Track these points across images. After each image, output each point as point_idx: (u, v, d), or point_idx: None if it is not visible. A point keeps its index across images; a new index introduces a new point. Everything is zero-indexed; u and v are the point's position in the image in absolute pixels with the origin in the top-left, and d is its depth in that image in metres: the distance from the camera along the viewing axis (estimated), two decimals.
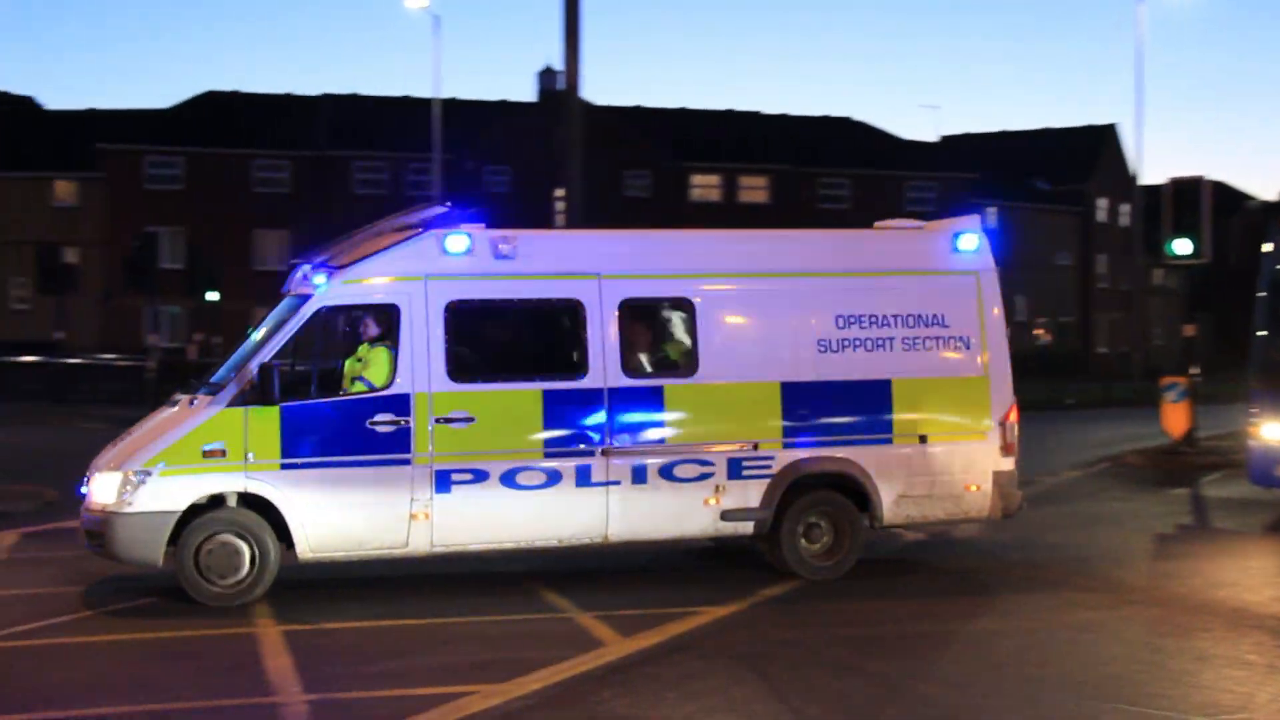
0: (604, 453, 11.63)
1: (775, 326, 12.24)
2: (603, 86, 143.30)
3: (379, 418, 11.23)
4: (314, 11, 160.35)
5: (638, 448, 11.75)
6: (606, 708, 8.15)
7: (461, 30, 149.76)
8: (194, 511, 10.90)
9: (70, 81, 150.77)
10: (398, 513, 11.20)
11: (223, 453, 10.90)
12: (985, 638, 10.14)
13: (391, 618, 10.66)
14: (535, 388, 11.64)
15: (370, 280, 11.55)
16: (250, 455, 10.74)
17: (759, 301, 12.37)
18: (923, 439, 12.32)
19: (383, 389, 11.27)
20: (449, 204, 12.00)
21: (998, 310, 12.74)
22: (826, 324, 12.21)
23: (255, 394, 10.96)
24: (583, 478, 11.58)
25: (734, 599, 11.20)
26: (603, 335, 11.74)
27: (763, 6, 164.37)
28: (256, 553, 10.94)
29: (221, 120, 62.12)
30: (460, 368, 11.47)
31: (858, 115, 73.48)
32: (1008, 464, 12.48)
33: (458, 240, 11.55)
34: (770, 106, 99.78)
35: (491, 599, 11.40)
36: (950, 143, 76.26)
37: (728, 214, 63.02)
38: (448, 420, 11.30)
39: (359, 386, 11.39)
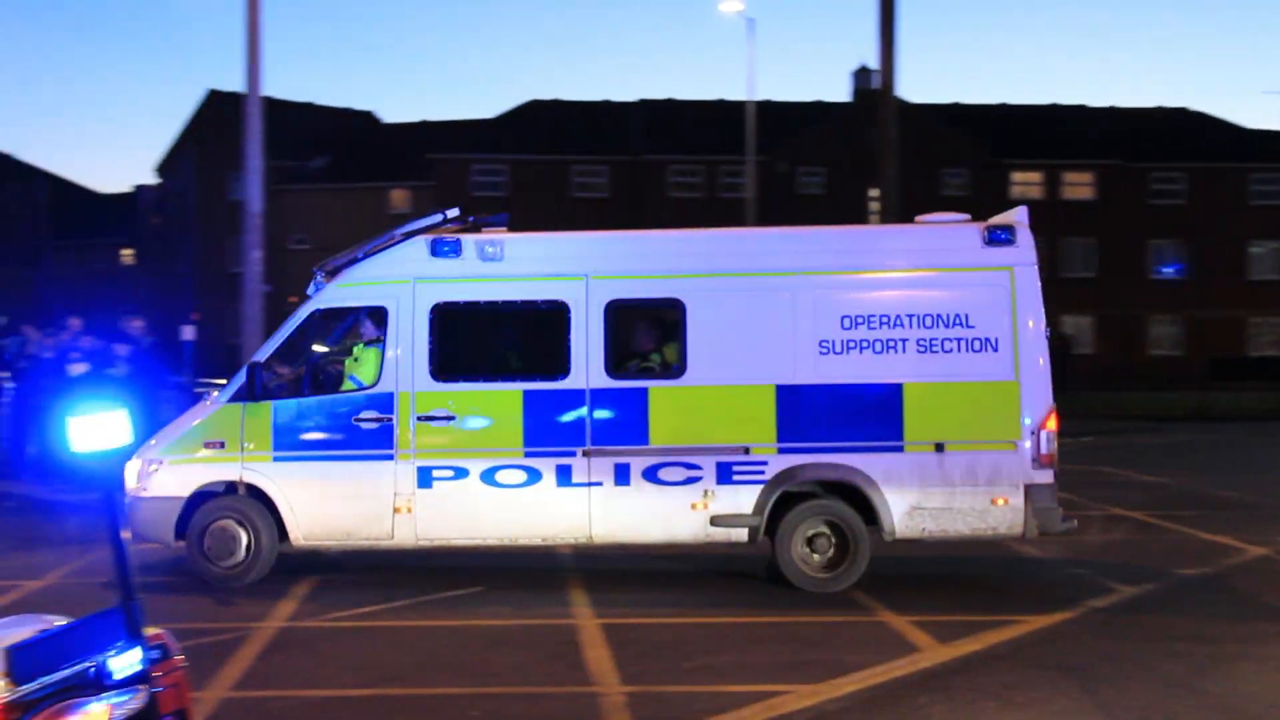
0: (585, 453, 11.70)
1: (771, 327, 11.84)
2: (919, 84, 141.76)
3: (364, 415, 11.84)
4: (631, 19, 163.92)
5: (620, 449, 11.72)
6: (922, 713, 8.11)
7: (775, 32, 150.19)
8: (207, 497, 11.85)
9: (405, 95, 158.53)
10: (382, 506, 11.73)
11: (221, 444, 11.87)
12: None
13: (707, 614, 10.83)
14: (515, 388, 11.88)
15: (362, 284, 12.21)
16: (246, 447, 11.37)
17: (753, 302, 12.00)
18: (939, 447, 11.60)
19: (370, 387, 11.90)
20: (458, 209, 12.34)
21: (1036, 309, 11.78)
22: (830, 324, 11.74)
23: (246, 391, 11.79)
24: (563, 477, 11.69)
25: (1057, 609, 10.91)
26: (586, 336, 11.84)
27: None
28: (253, 538, 11.72)
29: (542, 128, 64.41)
30: (442, 367, 11.90)
31: (1196, 105, 70.32)
32: (1044, 477, 11.55)
33: (445, 243, 11.98)
34: (1097, 100, 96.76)
35: (804, 599, 11.43)
36: None
37: (1050, 211, 61.38)
38: (429, 418, 11.76)
39: (349, 384, 12.11)
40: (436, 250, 12.00)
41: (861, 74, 61.68)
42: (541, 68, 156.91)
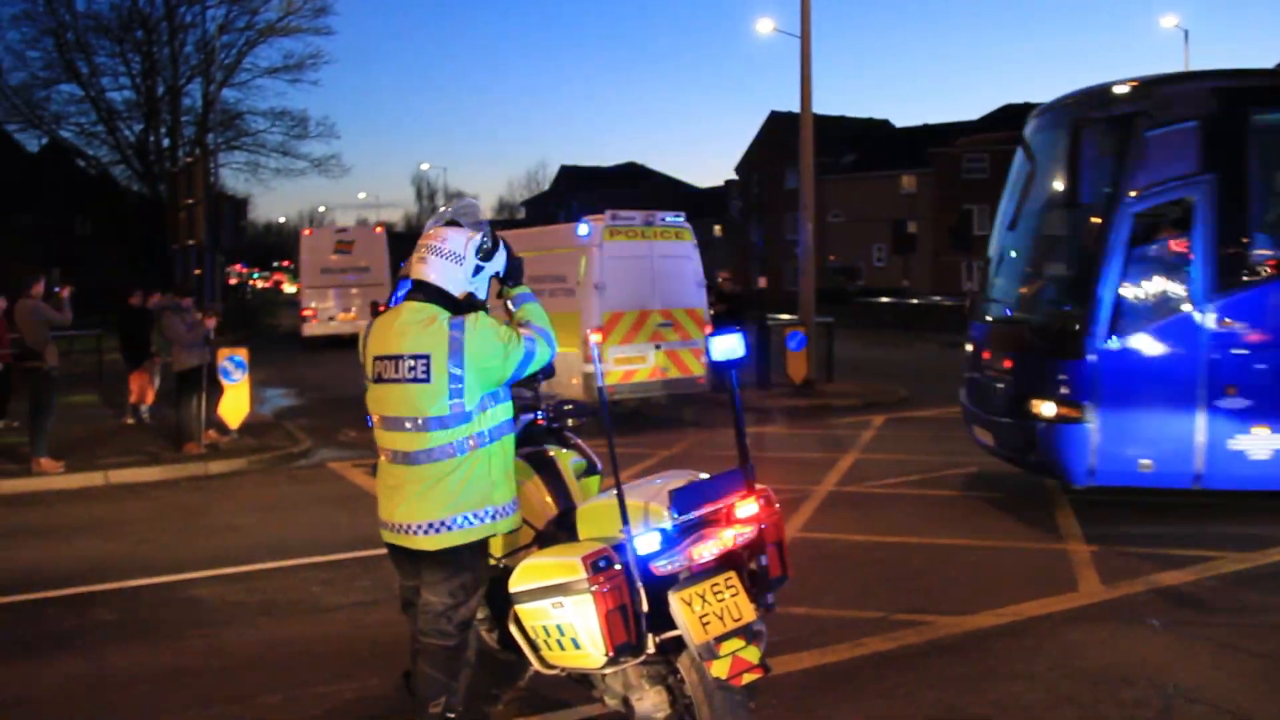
0: None
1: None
2: None
3: None
4: (1084, 33, 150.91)
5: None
6: None
7: (1205, 39, 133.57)
8: None
9: (911, 104, 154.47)
10: None
11: None
12: None
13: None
14: None
15: None
16: None
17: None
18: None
19: None
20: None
21: (597, 271, 14.62)
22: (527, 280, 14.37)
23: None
24: None
25: None
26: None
27: None
28: None
29: (1015, 124, 60.88)
30: None
31: None
32: (588, 368, 14.16)
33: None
34: None
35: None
36: None
37: None
38: None
39: None
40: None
41: None
42: (1014, 75, 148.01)
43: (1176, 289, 8.93)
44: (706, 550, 4.00)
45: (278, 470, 12.82)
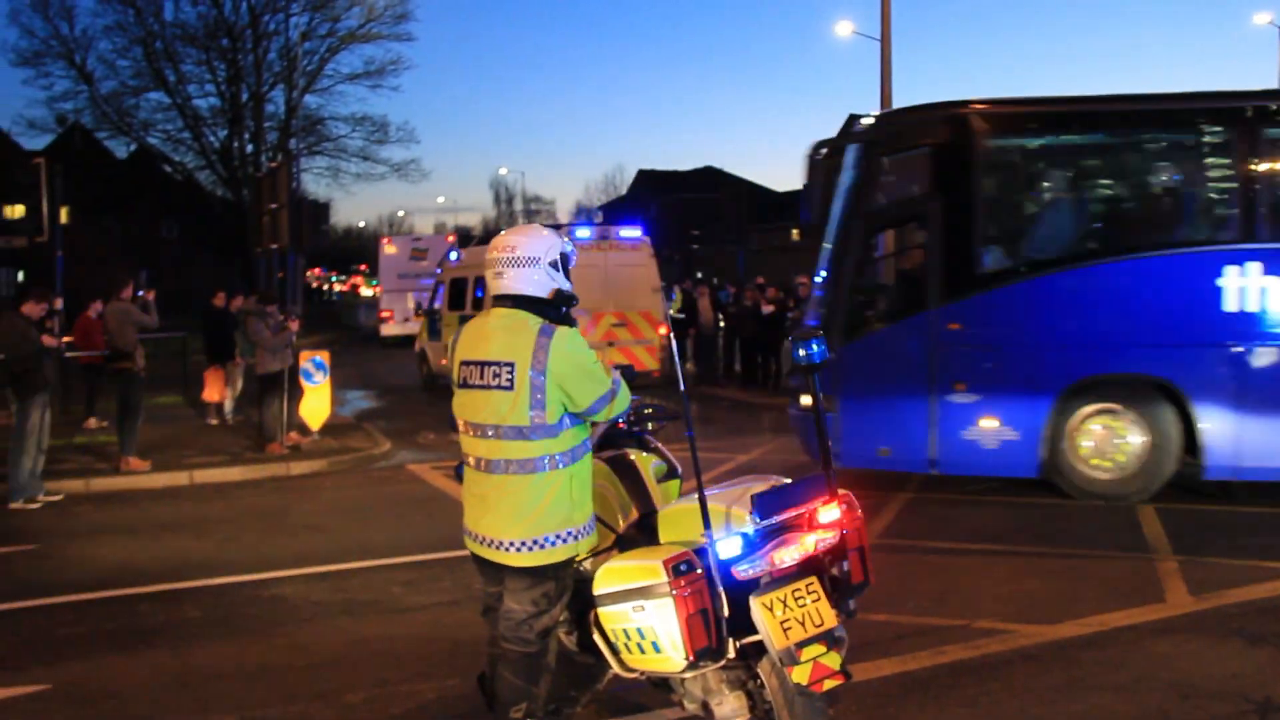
0: None
1: None
2: None
3: None
4: (1167, 29, 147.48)
5: None
6: None
7: None
8: None
9: None
10: None
11: None
12: None
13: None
14: None
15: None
16: None
17: None
18: None
19: None
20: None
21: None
22: None
23: None
24: None
25: None
26: None
27: None
28: None
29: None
30: None
31: None
32: None
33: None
34: None
35: None
36: None
37: None
38: None
39: None
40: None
41: None
42: (1101, 77, 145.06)
43: (909, 296, 10.20)
44: (788, 555, 3.99)
45: (358, 472, 13.06)
